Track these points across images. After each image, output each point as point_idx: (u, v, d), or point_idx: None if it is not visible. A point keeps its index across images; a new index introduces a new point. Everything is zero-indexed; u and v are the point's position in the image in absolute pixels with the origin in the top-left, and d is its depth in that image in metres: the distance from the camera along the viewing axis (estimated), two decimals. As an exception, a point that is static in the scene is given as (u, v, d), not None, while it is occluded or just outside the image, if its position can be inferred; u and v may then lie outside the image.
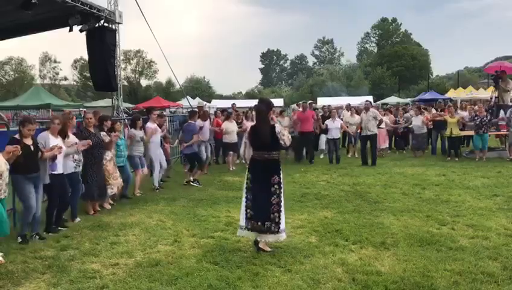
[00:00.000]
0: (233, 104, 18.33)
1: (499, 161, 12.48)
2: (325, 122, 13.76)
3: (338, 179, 10.48)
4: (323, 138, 14.49)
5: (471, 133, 13.35)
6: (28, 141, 5.88)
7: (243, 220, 5.50)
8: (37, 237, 6.11)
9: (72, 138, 7.00)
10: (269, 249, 5.42)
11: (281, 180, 5.48)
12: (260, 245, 5.41)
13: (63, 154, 6.56)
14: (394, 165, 12.32)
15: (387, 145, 15.26)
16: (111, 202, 8.24)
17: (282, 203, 5.44)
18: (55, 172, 6.45)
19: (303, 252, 5.31)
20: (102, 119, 8.21)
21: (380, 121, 13.31)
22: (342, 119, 14.74)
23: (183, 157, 11.00)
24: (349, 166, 12.44)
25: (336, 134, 13.40)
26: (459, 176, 10.27)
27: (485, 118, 13.01)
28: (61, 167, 6.56)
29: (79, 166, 7.09)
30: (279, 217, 5.37)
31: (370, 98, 40.30)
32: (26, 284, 4.59)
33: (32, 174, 5.92)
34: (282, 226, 5.42)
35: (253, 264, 4.96)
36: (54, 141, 6.40)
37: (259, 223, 5.35)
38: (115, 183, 8.18)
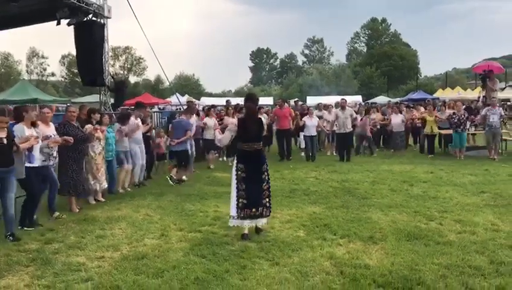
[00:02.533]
0: (228, 100, 18.57)
1: (486, 159, 12.57)
2: (303, 119, 13.84)
3: (326, 175, 10.47)
4: (302, 136, 14.57)
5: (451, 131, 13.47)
6: (1, 134, 5.62)
7: (234, 210, 5.68)
8: (11, 237, 5.67)
9: (50, 130, 6.78)
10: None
11: (268, 167, 5.98)
12: (259, 226, 5.86)
13: (38, 146, 6.34)
14: (382, 163, 12.35)
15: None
16: (102, 199, 8.05)
17: (270, 189, 5.94)
18: (32, 165, 6.23)
19: (291, 246, 5.29)
20: (90, 112, 8.08)
21: (355, 119, 13.76)
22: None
23: (169, 154, 10.76)
24: (338, 163, 12.45)
25: (313, 131, 13.49)
26: (447, 174, 10.32)
27: (462, 117, 13.11)
28: (37, 159, 6.35)
29: (49, 160, 6.71)
30: (269, 201, 5.88)
31: (359, 98, 40.78)
32: (9, 277, 4.50)
33: (0, 168, 5.61)
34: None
35: (240, 258, 4.93)
36: (29, 132, 6.21)
37: (253, 210, 5.69)
38: (103, 179, 8.06)
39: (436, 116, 13.86)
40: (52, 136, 6.75)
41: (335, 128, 13.69)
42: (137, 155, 9.37)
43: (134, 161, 9.32)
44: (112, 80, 15.66)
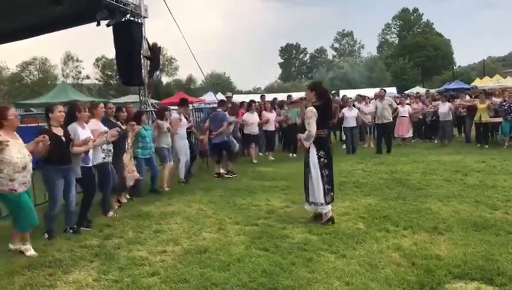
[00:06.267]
0: (263, 95, 18.42)
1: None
2: (342, 110, 13.66)
3: (374, 167, 10.24)
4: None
5: (501, 119, 12.90)
6: (58, 132, 5.58)
7: (322, 197, 5.76)
8: (71, 231, 5.83)
9: (101, 127, 6.61)
10: None
11: None
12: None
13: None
14: (429, 154, 11.98)
15: (411, 135, 14.97)
16: (127, 196, 7.95)
17: None
18: (88, 165, 6.13)
19: (354, 238, 5.15)
20: (117, 110, 7.79)
21: (395, 110, 13.51)
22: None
23: (210, 147, 10.63)
24: (383, 156, 12.16)
25: (352, 122, 13.31)
26: (499, 162, 9.93)
27: None
28: (91, 159, 6.24)
29: (109, 156, 6.68)
30: None
31: (393, 90, 39.96)
32: (76, 272, 4.51)
33: (63, 165, 5.59)
34: None
35: (304, 250, 4.82)
36: (83, 132, 6.02)
37: (332, 193, 5.93)
38: (130, 177, 7.71)
39: (490, 104, 13.23)
40: (107, 130, 6.61)
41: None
42: (182, 151, 9.37)
43: (180, 157, 9.32)
44: (149, 46, 15.22)
